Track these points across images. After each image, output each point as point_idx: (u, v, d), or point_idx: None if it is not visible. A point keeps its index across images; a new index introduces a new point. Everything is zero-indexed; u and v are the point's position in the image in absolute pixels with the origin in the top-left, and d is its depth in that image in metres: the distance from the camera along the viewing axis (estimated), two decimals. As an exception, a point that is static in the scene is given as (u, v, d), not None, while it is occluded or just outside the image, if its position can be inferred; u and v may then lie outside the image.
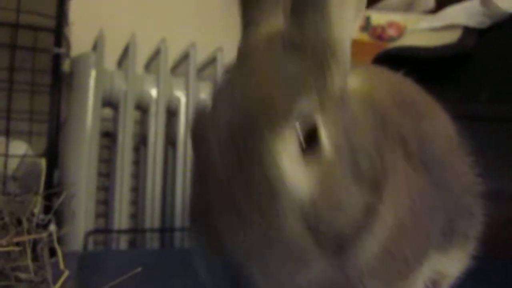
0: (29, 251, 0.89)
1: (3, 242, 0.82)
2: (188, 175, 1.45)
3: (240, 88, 0.41)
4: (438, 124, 0.55)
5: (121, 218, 1.38)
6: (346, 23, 0.43)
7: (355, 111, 0.43)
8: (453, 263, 0.56)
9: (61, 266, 0.82)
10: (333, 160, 0.39)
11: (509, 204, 1.11)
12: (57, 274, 0.82)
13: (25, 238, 0.90)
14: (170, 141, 1.48)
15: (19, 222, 0.91)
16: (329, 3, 0.42)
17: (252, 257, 0.37)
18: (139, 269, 0.66)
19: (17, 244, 0.87)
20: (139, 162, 1.50)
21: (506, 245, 1.03)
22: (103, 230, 1.37)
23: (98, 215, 1.39)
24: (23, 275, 0.80)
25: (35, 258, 0.90)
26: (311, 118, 0.39)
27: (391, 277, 0.46)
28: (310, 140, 0.38)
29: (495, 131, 1.06)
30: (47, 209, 1.10)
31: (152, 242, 1.39)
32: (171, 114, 1.44)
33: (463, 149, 0.58)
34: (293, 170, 0.37)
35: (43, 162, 1.15)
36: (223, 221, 0.37)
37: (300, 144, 0.38)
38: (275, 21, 0.46)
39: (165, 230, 1.42)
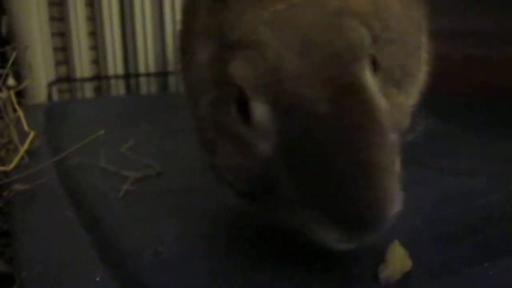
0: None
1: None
2: (148, 17, 1.38)
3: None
4: None
5: (83, 65, 1.34)
6: None
7: None
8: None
9: (25, 127, 0.83)
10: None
11: (468, 42, 1.13)
12: (23, 134, 0.82)
13: (-16, 99, 0.89)
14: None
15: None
16: None
17: None
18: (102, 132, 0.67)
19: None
20: (93, 4, 1.40)
21: (465, 81, 1.08)
22: (66, 78, 1.35)
23: (58, 63, 1.35)
24: (-12, 138, 0.81)
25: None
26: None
27: None
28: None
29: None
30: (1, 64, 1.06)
31: (118, 89, 1.39)
32: None
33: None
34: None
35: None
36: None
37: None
38: None
39: (130, 76, 1.40)
